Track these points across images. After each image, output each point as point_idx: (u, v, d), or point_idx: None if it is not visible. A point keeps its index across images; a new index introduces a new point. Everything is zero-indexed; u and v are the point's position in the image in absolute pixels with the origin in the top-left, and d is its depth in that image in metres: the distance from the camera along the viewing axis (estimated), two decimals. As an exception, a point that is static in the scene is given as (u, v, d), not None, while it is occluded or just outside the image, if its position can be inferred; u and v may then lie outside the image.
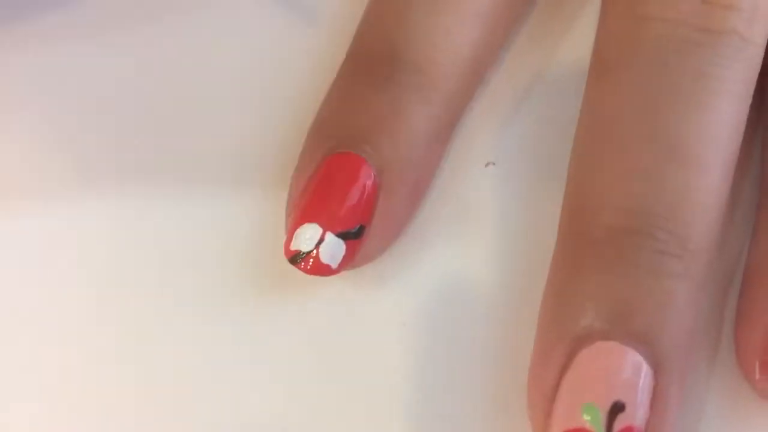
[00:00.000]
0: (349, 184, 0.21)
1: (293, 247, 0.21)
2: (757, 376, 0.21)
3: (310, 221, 0.21)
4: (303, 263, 0.21)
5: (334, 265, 0.21)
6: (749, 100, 0.22)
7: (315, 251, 0.21)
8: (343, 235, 0.21)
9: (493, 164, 0.24)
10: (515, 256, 0.23)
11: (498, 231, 0.24)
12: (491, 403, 0.22)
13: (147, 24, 0.26)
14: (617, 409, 0.19)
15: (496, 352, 0.23)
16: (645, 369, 0.20)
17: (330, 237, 0.21)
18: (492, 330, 0.23)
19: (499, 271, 0.23)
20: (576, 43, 0.25)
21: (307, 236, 0.21)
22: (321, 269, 0.21)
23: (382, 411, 0.22)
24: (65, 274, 0.24)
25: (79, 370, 0.23)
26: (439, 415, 0.22)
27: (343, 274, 0.22)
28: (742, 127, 0.22)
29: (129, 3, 0.26)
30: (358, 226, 0.22)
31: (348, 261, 0.22)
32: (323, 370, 0.23)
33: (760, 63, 0.22)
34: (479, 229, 0.24)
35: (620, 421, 0.19)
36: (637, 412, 0.19)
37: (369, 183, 0.22)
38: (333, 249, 0.21)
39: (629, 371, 0.20)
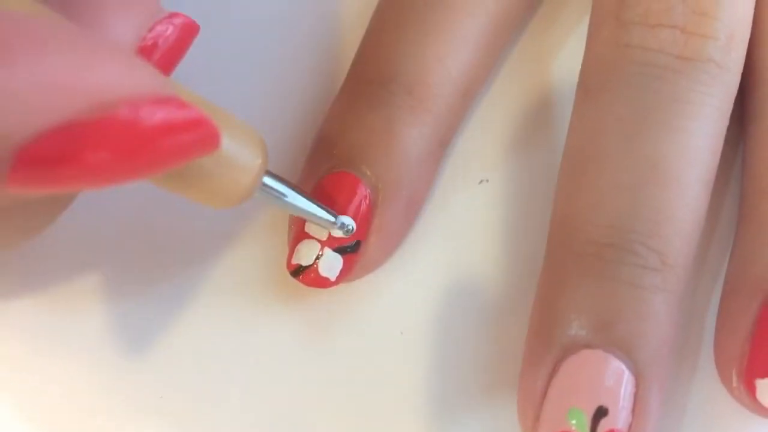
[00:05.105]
0: (345, 202, 0.23)
1: (294, 261, 0.23)
2: (734, 384, 0.22)
3: (309, 237, 0.22)
4: (303, 276, 0.22)
5: (332, 278, 0.22)
6: (725, 122, 0.23)
7: (314, 265, 0.22)
8: (341, 250, 0.22)
9: (487, 181, 0.25)
10: (507, 269, 0.24)
11: (491, 244, 0.25)
12: (485, 408, 0.23)
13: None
14: (601, 413, 0.21)
15: (490, 359, 0.24)
16: (627, 375, 0.21)
17: (328, 252, 0.22)
18: (485, 338, 0.24)
19: (492, 282, 0.24)
20: (565, 66, 0.26)
21: (307, 251, 0.22)
22: (320, 282, 0.22)
23: (381, 416, 0.23)
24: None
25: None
26: (436, 419, 0.23)
27: (343, 285, 0.23)
28: (718, 148, 0.23)
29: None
30: (354, 242, 0.23)
31: (346, 274, 0.23)
32: (324, 378, 0.24)
33: (736, 87, 0.23)
34: (473, 243, 0.25)
35: (604, 425, 0.20)
36: (620, 417, 0.21)
37: (364, 200, 0.23)
38: (331, 263, 0.22)
39: (612, 378, 0.21)
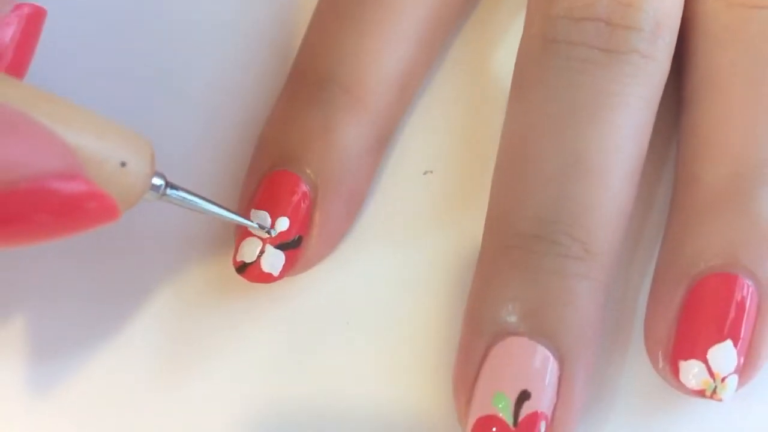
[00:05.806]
0: (285, 200, 0.24)
1: (238, 258, 0.24)
2: (660, 365, 0.23)
3: (252, 235, 0.24)
4: (247, 273, 0.24)
5: (275, 273, 0.24)
6: (653, 112, 0.24)
7: (257, 261, 0.23)
8: (283, 246, 0.24)
9: (431, 173, 0.26)
10: (451, 259, 0.25)
11: (435, 235, 0.26)
12: (427, 396, 0.24)
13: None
14: (524, 397, 0.22)
15: (435, 346, 0.25)
16: (551, 360, 0.22)
17: (269, 248, 0.23)
18: (429, 326, 0.25)
19: (435, 273, 0.25)
20: (507, 59, 0.26)
21: (249, 248, 0.23)
22: (263, 277, 0.24)
23: (325, 406, 0.24)
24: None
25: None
26: (379, 410, 0.24)
27: (288, 279, 0.24)
28: (645, 138, 0.24)
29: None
30: (295, 237, 0.24)
31: (288, 269, 0.24)
32: (273, 368, 0.25)
33: (665, 76, 0.24)
34: (418, 234, 0.26)
35: (526, 408, 0.22)
36: (543, 400, 0.22)
37: (304, 198, 0.24)
38: (273, 259, 0.23)
39: (536, 363, 0.22)
